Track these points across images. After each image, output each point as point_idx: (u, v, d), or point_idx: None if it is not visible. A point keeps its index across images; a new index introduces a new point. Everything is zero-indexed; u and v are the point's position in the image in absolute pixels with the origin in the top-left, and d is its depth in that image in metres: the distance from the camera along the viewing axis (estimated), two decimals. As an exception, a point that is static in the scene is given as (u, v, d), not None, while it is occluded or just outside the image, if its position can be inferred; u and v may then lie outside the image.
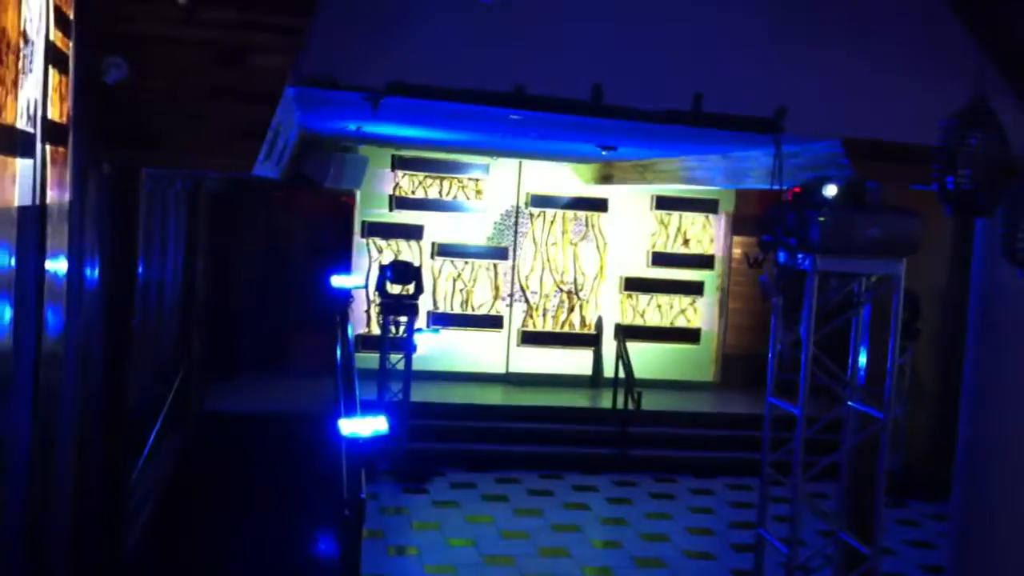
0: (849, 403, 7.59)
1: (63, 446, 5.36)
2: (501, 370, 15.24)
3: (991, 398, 7.13)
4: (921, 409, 12.49)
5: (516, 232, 15.32)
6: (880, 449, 7.20)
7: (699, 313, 15.77)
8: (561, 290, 15.46)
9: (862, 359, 7.70)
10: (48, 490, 5.00)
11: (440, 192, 15.13)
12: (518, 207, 15.31)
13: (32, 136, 4.06)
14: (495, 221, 15.25)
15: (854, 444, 7.58)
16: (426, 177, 15.08)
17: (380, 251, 14.93)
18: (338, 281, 13.01)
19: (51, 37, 4.32)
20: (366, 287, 14.55)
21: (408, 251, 14.96)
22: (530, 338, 15.36)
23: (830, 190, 6.94)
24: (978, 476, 7.23)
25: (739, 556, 9.87)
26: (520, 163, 15.18)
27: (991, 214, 5.44)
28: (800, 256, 7.03)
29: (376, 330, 14.15)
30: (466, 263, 15.20)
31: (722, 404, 14.68)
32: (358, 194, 14.77)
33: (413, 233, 15.01)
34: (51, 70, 4.35)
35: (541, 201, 15.33)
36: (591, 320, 15.54)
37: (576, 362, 15.41)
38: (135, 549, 7.76)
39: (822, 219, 6.76)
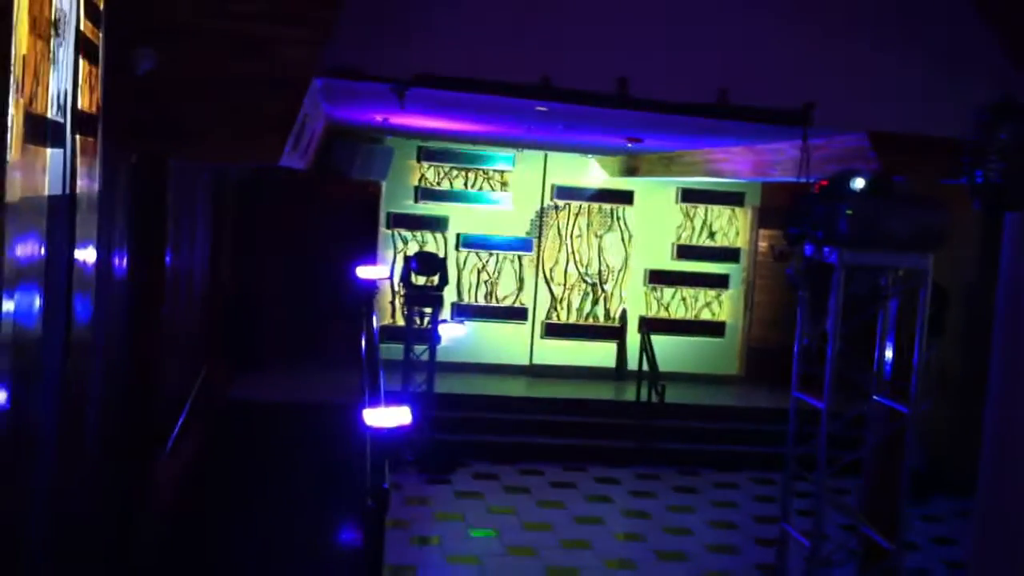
0: (875, 398, 7.55)
1: (90, 433, 5.41)
2: (525, 362, 15.26)
3: (1018, 394, 7.07)
4: (947, 405, 12.41)
5: (541, 224, 15.32)
6: (905, 445, 7.17)
7: (724, 306, 15.73)
8: (586, 282, 15.45)
9: (888, 354, 7.66)
10: (75, 476, 5.05)
11: (465, 184, 15.15)
12: (543, 199, 15.32)
13: (62, 126, 4.09)
14: (520, 213, 15.25)
15: (879, 439, 7.55)
16: (451, 168, 15.10)
17: (405, 242, 14.96)
18: (363, 272, 13.05)
19: (81, 27, 4.35)
20: (391, 278, 14.59)
21: (433, 242, 14.99)
22: (554, 330, 15.37)
23: (858, 183, 6.90)
24: (1003, 473, 7.18)
25: (762, 550, 9.85)
26: (546, 155, 15.18)
27: (1021, 207, 5.41)
28: (827, 249, 6.99)
29: (400, 321, 14.20)
30: (491, 255, 15.22)
31: (746, 398, 14.64)
32: (383, 185, 14.81)
33: (438, 224, 15.04)
34: (81, 60, 4.38)
35: (566, 193, 15.32)
36: (615, 312, 15.53)
37: (600, 354, 15.40)
38: (160, 535, 7.83)
39: (849, 212, 6.72)
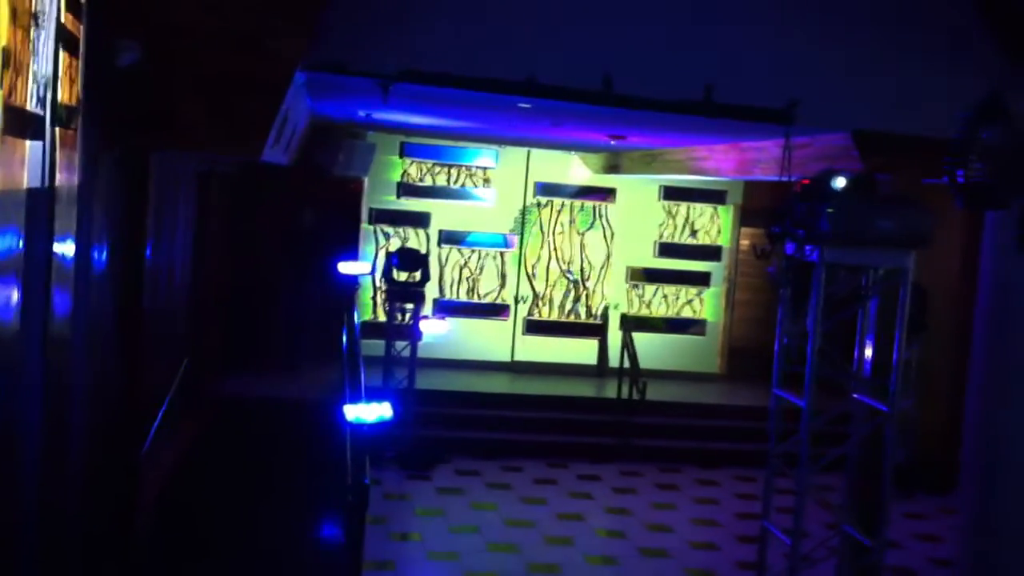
0: (854, 396, 7.58)
1: (73, 428, 5.37)
2: (506, 358, 15.26)
3: (999, 391, 7.11)
4: (929, 402, 12.48)
5: (523, 220, 15.31)
6: (885, 442, 7.20)
7: (706, 304, 15.77)
8: (568, 279, 15.45)
9: (868, 352, 7.69)
10: (59, 471, 5.01)
11: (448, 180, 15.12)
12: (526, 195, 15.30)
13: (42, 118, 4.05)
14: (503, 209, 15.24)
15: (860, 437, 7.58)
16: (434, 165, 15.07)
17: (387, 238, 14.93)
18: (345, 268, 13.02)
19: (62, 19, 4.31)
20: (373, 274, 14.56)
21: (415, 238, 14.96)
22: (536, 327, 15.36)
23: (840, 182, 6.92)
24: (986, 469, 7.22)
25: (743, 547, 9.87)
26: (528, 152, 15.17)
27: (1002, 207, 5.43)
28: (808, 248, 7.01)
29: (382, 317, 14.17)
30: (473, 251, 15.20)
31: (727, 395, 14.68)
32: (366, 181, 14.77)
33: (420, 221, 15.01)
34: (62, 53, 4.34)
35: (549, 190, 15.32)
36: (597, 309, 15.54)
37: (582, 351, 15.41)
38: (144, 530, 7.79)
39: (831, 211, 6.74)
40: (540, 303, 15.40)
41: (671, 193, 15.50)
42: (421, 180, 15.05)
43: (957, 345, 11.82)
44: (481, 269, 15.24)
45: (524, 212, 15.28)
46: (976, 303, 7.46)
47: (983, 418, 7.23)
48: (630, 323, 14.84)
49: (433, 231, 15.05)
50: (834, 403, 7.75)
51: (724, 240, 15.76)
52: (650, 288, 15.62)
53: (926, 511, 11.61)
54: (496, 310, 15.25)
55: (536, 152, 15.18)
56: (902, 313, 7.10)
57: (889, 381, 7.20)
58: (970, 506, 7.33)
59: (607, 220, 15.49)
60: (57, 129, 4.31)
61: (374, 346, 13.37)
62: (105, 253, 6.11)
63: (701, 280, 15.72)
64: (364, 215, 14.92)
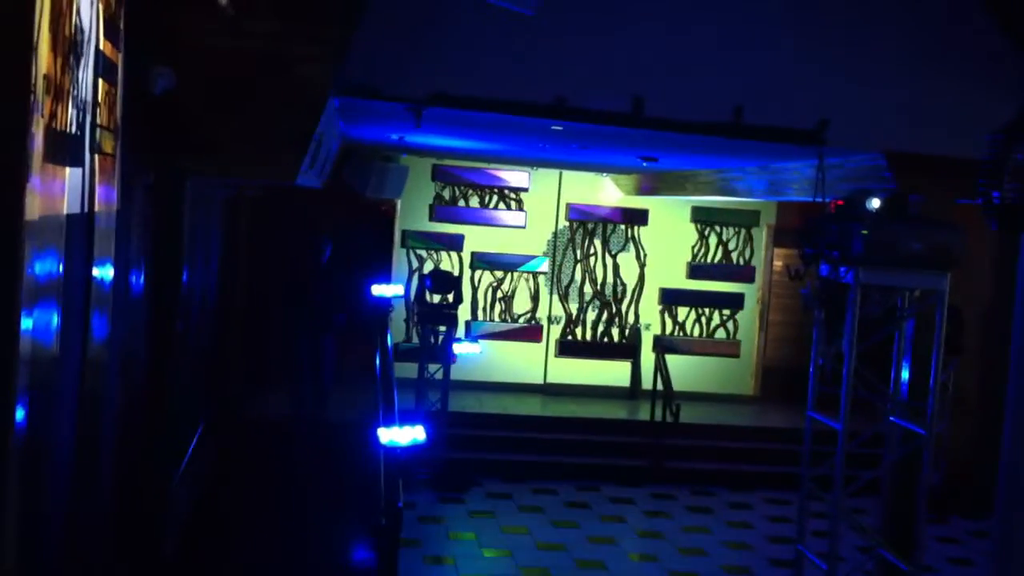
0: (891, 418, 7.52)
1: (105, 449, 5.42)
2: (539, 381, 15.24)
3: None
4: (965, 425, 12.34)
5: (556, 242, 15.32)
6: (922, 465, 7.13)
7: (739, 326, 15.68)
8: (600, 301, 15.43)
9: (904, 374, 7.64)
10: (90, 493, 5.06)
11: (480, 202, 15.17)
12: (558, 217, 15.32)
13: (81, 144, 4.11)
14: (535, 231, 15.26)
15: (895, 460, 7.51)
16: (466, 187, 15.12)
17: (420, 260, 14.98)
18: (378, 290, 13.07)
19: (101, 47, 4.38)
20: (406, 296, 14.60)
21: (448, 261, 15.01)
22: (568, 349, 15.34)
23: (873, 203, 6.90)
24: (1021, 494, 7.13)
25: (777, 571, 9.78)
26: (560, 173, 15.19)
27: (1037, 229, 5.38)
28: (842, 269, 6.98)
29: (415, 339, 14.20)
30: (505, 273, 15.22)
31: (761, 417, 14.58)
32: (398, 203, 14.84)
33: (453, 243, 15.05)
34: (100, 80, 4.41)
35: (581, 211, 15.32)
36: (630, 331, 15.50)
37: (614, 373, 15.36)
38: (173, 552, 7.83)
39: (865, 232, 6.72)
40: (573, 325, 15.38)
41: (703, 214, 15.46)
42: (453, 203, 15.10)
43: (992, 367, 11.69)
44: (514, 291, 15.25)
45: (556, 233, 15.30)
46: (1012, 324, 7.39)
47: (1017, 441, 7.15)
48: (663, 345, 14.77)
49: (466, 253, 15.08)
50: (869, 425, 7.69)
51: (757, 261, 15.70)
52: (683, 310, 15.57)
53: (960, 535, 11.47)
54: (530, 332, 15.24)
55: (568, 174, 15.20)
56: (938, 335, 7.04)
57: (926, 403, 7.13)
58: (1001, 531, 7.24)
59: (639, 242, 15.47)
60: (96, 155, 4.38)
61: (407, 368, 13.39)
62: (142, 277, 6.19)
63: (734, 301, 15.64)
64: (397, 237, 14.97)
